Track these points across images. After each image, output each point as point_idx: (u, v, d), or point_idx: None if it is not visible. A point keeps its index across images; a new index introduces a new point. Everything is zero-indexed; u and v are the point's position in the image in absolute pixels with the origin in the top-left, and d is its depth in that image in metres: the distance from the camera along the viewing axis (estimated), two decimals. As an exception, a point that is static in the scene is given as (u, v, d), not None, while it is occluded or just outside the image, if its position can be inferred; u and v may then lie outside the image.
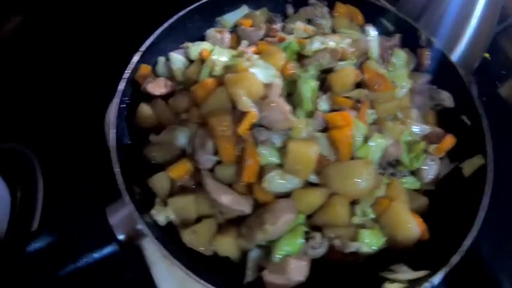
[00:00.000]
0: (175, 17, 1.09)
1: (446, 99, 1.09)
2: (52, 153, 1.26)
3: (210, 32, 1.13)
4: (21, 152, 1.28)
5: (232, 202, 0.84)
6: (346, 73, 0.94)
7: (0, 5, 1.47)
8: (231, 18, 1.18)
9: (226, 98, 0.87)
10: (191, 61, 1.06)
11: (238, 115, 0.85)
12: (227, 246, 0.85)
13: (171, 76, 1.06)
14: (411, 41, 1.15)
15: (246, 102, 0.83)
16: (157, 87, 1.01)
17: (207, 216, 0.88)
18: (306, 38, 1.03)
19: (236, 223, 0.88)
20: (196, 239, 0.85)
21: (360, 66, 0.99)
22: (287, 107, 0.85)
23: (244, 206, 0.84)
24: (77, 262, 0.88)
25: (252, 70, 0.87)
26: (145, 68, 1.06)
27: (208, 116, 0.86)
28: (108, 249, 0.87)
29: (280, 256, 0.82)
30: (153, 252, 0.97)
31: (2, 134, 1.29)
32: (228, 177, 0.88)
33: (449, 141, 1.01)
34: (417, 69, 1.14)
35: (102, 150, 1.11)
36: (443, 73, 1.11)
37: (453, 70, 1.09)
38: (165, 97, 1.02)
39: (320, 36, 0.99)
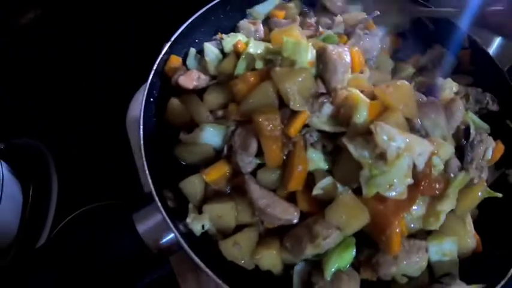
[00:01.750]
0: (207, 6, 0.94)
1: (492, 102, 0.95)
2: (68, 150, 1.14)
3: (244, 23, 0.97)
4: (35, 148, 1.16)
5: (281, 211, 0.69)
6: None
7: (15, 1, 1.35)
8: (262, 9, 1.03)
9: (272, 93, 0.71)
10: (224, 53, 0.90)
11: (286, 113, 0.70)
12: (270, 259, 0.71)
13: (203, 69, 0.90)
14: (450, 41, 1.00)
15: (299, 101, 0.67)
16: (190, 80, 0.85)
17: (247, 225, 0.74)
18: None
19: (278, 233, 0.74)
20: (238, 251, 0.70)
21: None
22: None
23: (292, 215, 0.70)
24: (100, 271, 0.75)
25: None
26: (175, 59, 0.90)
27: (253, 114, 0.71)
28: (136, 260, 0.72)
29: (333, 272, 0.68)
30: (180, 262, 0.83)
31: (17, 129, 1.18)
32: (272, 183, 0.73)
33: (500, 148, 0.87)
34: (457, 70, 1.00)
35: (123, 149, 1.01)
36: (487, 75, 0.97)
37: (498, 72, 0.97)
38: (198, 92, 0.87)
39: None
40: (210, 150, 0.79)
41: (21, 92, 1.24)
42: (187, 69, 0.91)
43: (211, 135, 0.78)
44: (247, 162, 0.72)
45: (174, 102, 0.85)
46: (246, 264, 0.71)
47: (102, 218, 0.86)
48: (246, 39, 0.89)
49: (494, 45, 1.12)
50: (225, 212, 0.72)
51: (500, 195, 0.80)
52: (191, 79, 0.85)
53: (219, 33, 0.93)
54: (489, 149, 0.82)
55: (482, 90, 0.95)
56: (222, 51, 0.90)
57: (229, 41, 0.88)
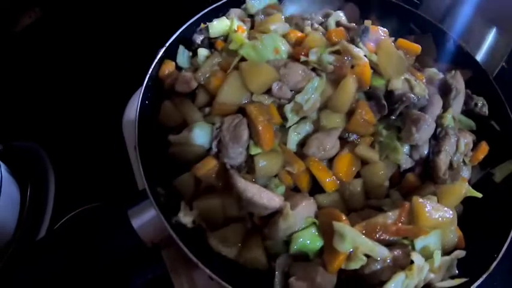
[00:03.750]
0: (201, 13, 1.02)
1: (481, 106, 1.01)
2: (65, 152, 1.21)
3: (234, 10, 1.07)
4: (33, 149, 1.23)
5: (267, 200, 0.77)
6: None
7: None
8: (258, 4, 1.10)
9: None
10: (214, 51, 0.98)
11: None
12: (255, 258, 0.78)
13: (193, 67, 0.98)
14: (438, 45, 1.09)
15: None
16: (185, 84, 0.92)
17: (235, 219, 0.81)
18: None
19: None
20: (224, 243, 0.78)
21: None
22: None
23: (277, 203, 0.78)
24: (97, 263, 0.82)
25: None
26: (169, 64, 0.98)
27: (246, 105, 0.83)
28: (131, 257, 0.80)
29: (297, 247, 0.76)
30: (173, 258, 0.90)
31: (14, 131, 1.25)
32: (272, 165, 0.84)
33: (484, 149, 0.95)
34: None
35: (119, 150, 1.08)
36: (472, 78, 1.05)
37: (482, 74, 1.04)
38: (190, 93, 0.94)
39: None
40: (200, 149, 0.86)
41: (19, 95, 1.31)
42: (180, 68, 0.99)
43: (198, 135, 0.85)
44: (238, 153, 0.81)
45: (167, 104, 0.93)
46: (233, 256, 0.79)
47: (99, 216, 0.92)
48: (234, 23, 0.97)
49: (482, 52, 1.18)
50: (212, 207, 0.80)
51: (480, 195, 0.87)
52: (186, 83, 0.91)
53: (202, 24, 1.00)
54: (461, 141, 0.90)
55: (471, 92, 1.02)
56: (210, 48, 0.99)
57: (216, 25, 0.97)
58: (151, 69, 0.93)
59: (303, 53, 0.88)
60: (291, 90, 0.86)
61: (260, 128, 0.81)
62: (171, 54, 0.99)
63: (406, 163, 0.88)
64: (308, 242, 0.76)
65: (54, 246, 0.84)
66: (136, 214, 0.79)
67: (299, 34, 0.95)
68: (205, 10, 1.03)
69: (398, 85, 0.89)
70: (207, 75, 0.90)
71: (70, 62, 1.34)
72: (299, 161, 0.84)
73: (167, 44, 0.96)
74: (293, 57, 0.90)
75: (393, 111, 0.88)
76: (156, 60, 0.94)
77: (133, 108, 0.89)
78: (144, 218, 0.79)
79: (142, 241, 0.78)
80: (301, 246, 0.76)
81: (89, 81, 1.30)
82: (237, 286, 0.72)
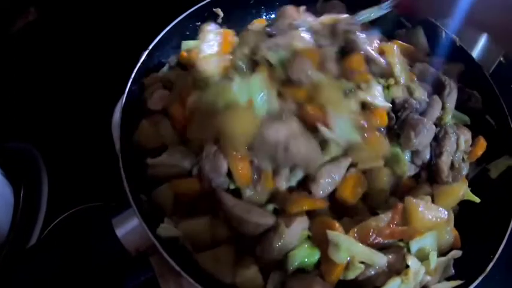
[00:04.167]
0: (186, 13, 0.98)
1: (475, 100, 0.98)
2: (59, 153, 1.19)
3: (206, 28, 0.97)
4: (27, 151, 1.21)
5: (258, 217, 0.72)
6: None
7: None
8: None
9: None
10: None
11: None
12: (251, 279, 0.73)
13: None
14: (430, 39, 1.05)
15: None
16: (158, 101, 0.87)
17: (224, 240, 0.76)
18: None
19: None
20: (217, 266, 0.73)
21: None
22: None
23: (268, 219, 0.73)
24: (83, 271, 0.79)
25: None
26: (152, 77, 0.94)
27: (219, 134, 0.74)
28: (116, 260, 0.77)
29: (296, 264, 0.72)
30: (161, 263, 0.86)
31: (8, 132, 1.22)
32: (261, 196, 0.77)
33: (482, 144, 0.91)
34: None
35: (111, 152, 1.03)
36: (466, 72, 1.01)
37: (476, 68, 1.00)
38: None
39: None
40: (181, 170, 0.80)
41: (13, 96, 1.28)
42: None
43: (181, 160, 0.79)
44: (221, 181, 0.76)
45: (145, 124, 0.87)
46: (228, 280, 0.73)
47: (88, 220, 0.89)
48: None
49: (479, 47, 1.15)
50: (199, 229, 0.75)
51: (478, 200, 0.85)
52: (158, 102, 0.87)
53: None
54: (461, 139, 0.86)
55: (464, 87, 0.98)
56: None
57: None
58: (134, 73, 0.88)
59: (319, 122, 0.73)
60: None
61: (231, 161, 0.73)
62: (156, 58, 0.96)
63: (409, 170, 0.85)
64: (306, 260, 0.73)
65: (48, 246, 0.81)
66: (121, 223, 0.75)
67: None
68: (192, 9, 0.99)
69: (398, 93, 0.85)
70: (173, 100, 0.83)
71: (65, 63, 1.31)
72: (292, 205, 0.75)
73: (150, 47, 0.92)
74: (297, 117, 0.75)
75: (397, 120, 0.84)
76: (139, 64, 0.90)
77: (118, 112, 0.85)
78: (128, 227, 0.75)
79: (126, 250, 0.75)
80: (300, 263, 0.73)
81: (83, 83, 1.27)
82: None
